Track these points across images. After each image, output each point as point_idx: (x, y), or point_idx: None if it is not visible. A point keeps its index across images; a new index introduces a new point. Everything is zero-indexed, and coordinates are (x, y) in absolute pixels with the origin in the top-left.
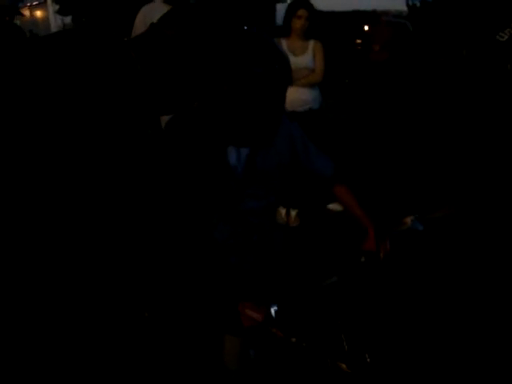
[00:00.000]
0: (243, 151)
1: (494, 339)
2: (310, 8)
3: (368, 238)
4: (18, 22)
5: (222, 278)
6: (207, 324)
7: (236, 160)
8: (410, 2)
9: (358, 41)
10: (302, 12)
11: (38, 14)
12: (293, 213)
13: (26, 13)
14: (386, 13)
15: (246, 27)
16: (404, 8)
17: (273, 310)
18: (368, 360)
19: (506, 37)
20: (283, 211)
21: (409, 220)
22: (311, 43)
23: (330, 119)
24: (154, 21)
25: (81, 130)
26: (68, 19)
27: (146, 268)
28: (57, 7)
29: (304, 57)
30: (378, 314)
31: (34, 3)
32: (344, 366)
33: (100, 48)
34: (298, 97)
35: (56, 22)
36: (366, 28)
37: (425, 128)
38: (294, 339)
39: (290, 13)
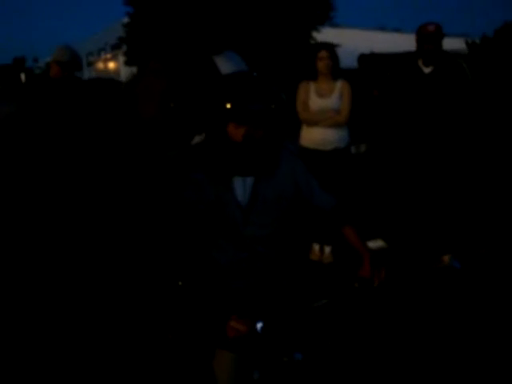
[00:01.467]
0: (248, 181)
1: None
2: (330, 48)
3: (364, 265)
4: (93, 73)
5: (215, 295)
6: (198, 337)
7: (242, 189)
8: (469, 40)
9: None
10: (322, 53)
11: (111, 65)
12: (327, 249)
13: (100, 65)
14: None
15: (255, 73)
16: (463, 46)
17: (259, 326)
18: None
19: None
20: (317, 247)
21: (447, 258)
22: (338, 84)
23: (361, 159)
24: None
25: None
26: (135, 69)
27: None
28: (125, 59)
29: (331, 98)
30: (368, 338)
31: (108, 56)
32: None
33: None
34: (323, 137)
35: (125, 72)
36: None
37: (461, 167)
38: (285, 358)
39: (312, 57)
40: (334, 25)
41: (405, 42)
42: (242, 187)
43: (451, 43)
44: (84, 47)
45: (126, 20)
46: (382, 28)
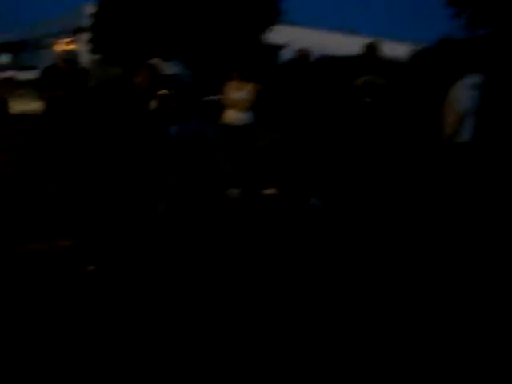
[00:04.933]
0: (175, 127)
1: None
2: (239, 66)
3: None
4: (52, 55)
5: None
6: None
7: (174, 131)
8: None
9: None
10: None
11: (71, 48)
12: (236, 191)
13: (59, 47)
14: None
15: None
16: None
17: None
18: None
19: None
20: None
21: (313, 199)
22: (248, 84)
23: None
24: None
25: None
26: (96, 56)
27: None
28: (90, 46)
29: (242, 92)
30: None
31: (67, 40)
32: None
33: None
34: (237, 116)
35: (85, 57)
36: None
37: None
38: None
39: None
40: (290, 23)
41: (358, 45)
42: (174, 129)
43: (399, 49)
44: (37, 30)
45: (90, 9)
46: (339, 29)
